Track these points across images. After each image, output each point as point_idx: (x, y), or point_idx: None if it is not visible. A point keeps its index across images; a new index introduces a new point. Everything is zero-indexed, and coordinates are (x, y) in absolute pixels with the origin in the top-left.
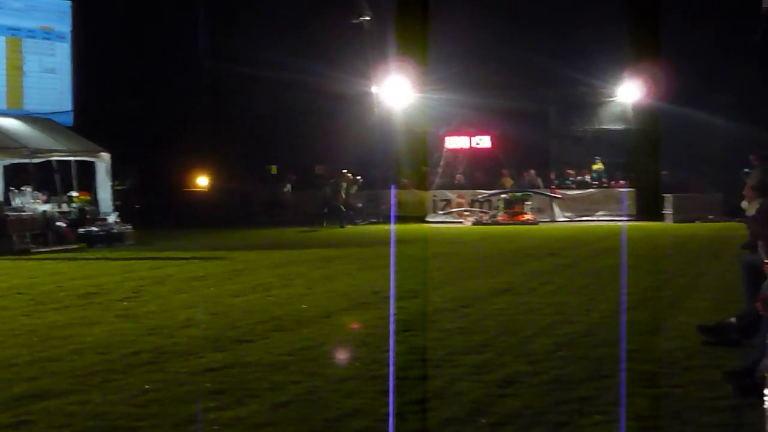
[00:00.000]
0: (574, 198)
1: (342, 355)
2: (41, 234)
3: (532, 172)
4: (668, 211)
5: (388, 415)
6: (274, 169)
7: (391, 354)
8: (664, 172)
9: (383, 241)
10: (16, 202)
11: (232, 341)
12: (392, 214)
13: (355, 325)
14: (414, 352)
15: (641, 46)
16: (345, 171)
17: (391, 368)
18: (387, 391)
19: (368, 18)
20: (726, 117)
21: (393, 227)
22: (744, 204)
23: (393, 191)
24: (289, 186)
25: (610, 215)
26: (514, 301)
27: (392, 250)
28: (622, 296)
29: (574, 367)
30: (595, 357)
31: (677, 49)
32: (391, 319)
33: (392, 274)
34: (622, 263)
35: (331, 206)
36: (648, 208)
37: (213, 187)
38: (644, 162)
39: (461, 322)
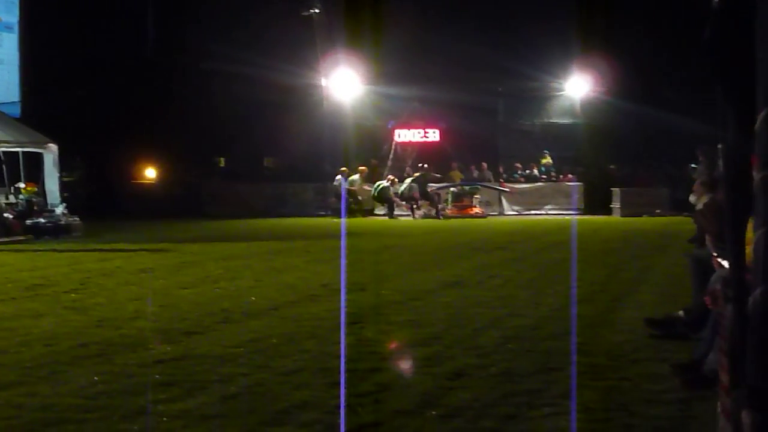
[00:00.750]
0: (522, 192)
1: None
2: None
3: (484, 165)
4: (616, 205)
5: (337, 407)
6: (222, 162)
7: (342, 346)
8: (612, 167)
9: (332, 234)
10: None
11: (180, 333)
12: (342, 207)
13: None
14: (363, 344)
15: (589, 41)
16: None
17: (342, 360)
18: (336, 384)
19: (318, 10)
20: (673, 112)
21: (343, 220)
22: (692, 198)
23: (343, 184)
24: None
25: (559, 209)
26: (463, 294)
27: (342, 242)
28: (571, 290)
29: (522, 359)
30: (543, 350)
31: (625, 44)
32: (342, 311)
33: (342, 267)
34: (571, 257)
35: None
36: (596, 203)
37: (161, 179)
38: (592, 156)
39: (410, 315)
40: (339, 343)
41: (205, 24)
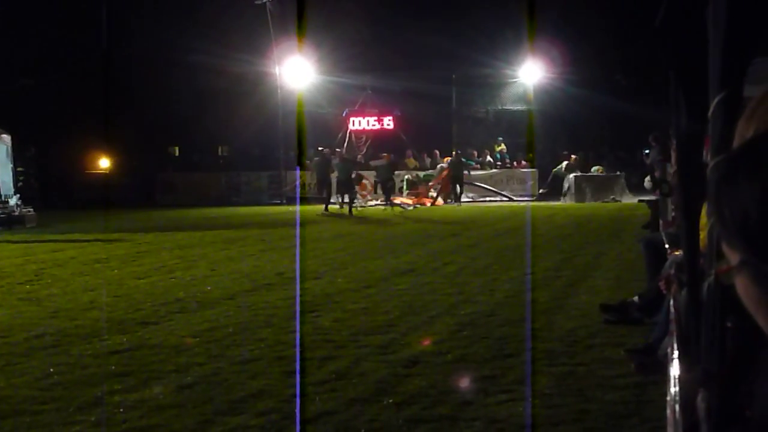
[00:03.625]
0: (477, 178)
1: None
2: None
3: (436, 152)
4: (570, 191)
5: (293, 396)
6: (176, 151)
7: (297, 335)
8: (565, 152)
9: (286, 223)
10: None
11: (135, 323)
12: (297, 195)
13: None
14: (318, 332)
15: (542, 27)
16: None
17: (297, 349)
18: (292, 372)
19: None
20: (625, 98)
21: (297, 208)
22: (647, 184)
23: (297, 172)
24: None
25: (513, 195)
26: (418, 281)
27: (297, 231)
28: (525, 276)
29: (477, 346)
30: (498, 336)
31: (578, 30)
32: (297, 300)
33: (297, 256)
34: (525, 243)
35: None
36: (549, 189)
37: (114, 168)
38: (545, 143)
39: (365, 302)
40: (294, 331)
41: (158, 13)
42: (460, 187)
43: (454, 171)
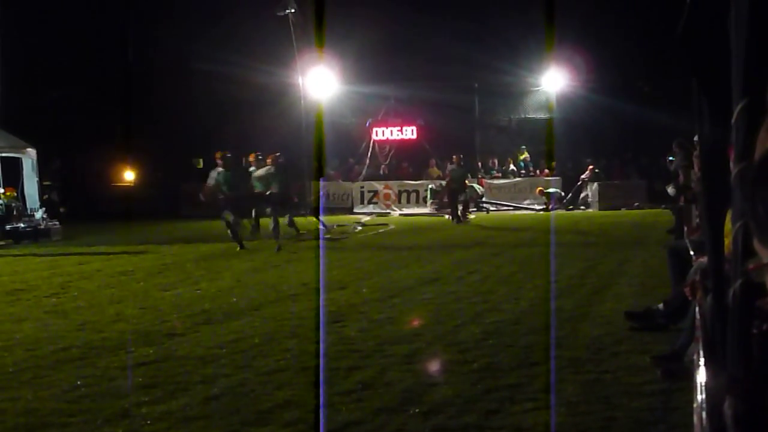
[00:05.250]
0: (500, 187)
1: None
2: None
3: (455, 158)
4: (593, 198)
5: (319, 406)
6: (200, 163)
7: (323, 345)
8: (588, 160)
9: (313, 234)
10: None
11: (161, 335)
12: (321, 205)
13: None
14: (344, 342)
15: (565, 35)
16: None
17: (323, 359)
18: (318, 383)
19: (293, 10)
20: (648, 104)
21: (321, 219)
22: (670, 191)
23: (322, 183)
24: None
25: (536, 204)
26: (442, 290)
27: (321, 242)
28: (550, 284)
29: (503, 355)
30: (523, 345)
31: (600, 38)
32: (322, 310)
33: (322, 266)
34: (549, 251)
35: None
36: (573, 196)
37: (139, 181)
38: (568, 151)
39: (390, 312)
40: (320, 341)
41: (182, 24)
42: (464, 201)
43: (454, 182)
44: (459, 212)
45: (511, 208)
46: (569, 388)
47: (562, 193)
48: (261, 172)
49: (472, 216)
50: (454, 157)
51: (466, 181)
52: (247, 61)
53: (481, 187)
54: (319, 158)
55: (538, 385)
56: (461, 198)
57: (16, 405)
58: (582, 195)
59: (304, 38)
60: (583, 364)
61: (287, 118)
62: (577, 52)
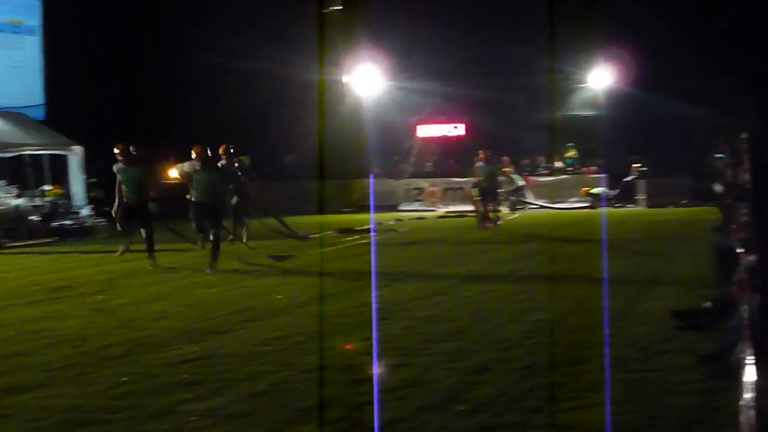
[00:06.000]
0: (546, 185)
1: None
2: (14, 228)
3: (506, 159)
4: (640, 196)
5: (363, 403)
6: (246, 160)
7: (375, 342)
8: (634, 158)
9: (359, 231)
10: None
11: (206, 332)
12: (371, 203)
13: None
14: (388, 340)
15: (610, 32)
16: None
17: (375, 356)
18: (362, 380)
19: (339, 7)
20: (694, 102)
21: (372, 216)
22: (717, 188)
23: (371, 180)
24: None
25: (582, 201)
26: (486, 288)
27: (372, 238)
28: (595, 282)
29: (547, 353)
30: (568, 343)
31: (646, 34)
32: (374, 307)
33: (373, 263)
34: (595, 249)
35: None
36: (620, 194)
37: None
38: (615, 148)
39: (434, 310)
40: (364, 339)
41: (225, 21)
42: (494, 202)
43: (485, 181)
44: (487, 214)
45: (554, 208)
46: (614, 387)
47: (609, 191)
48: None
49: (506, 213)
50: (480, 152)
51: (504, 177)
52: (293, 59)
53: (521, 179)
54: (365, 156)
55: (582, 383)
56: (491, 199)
57: (62, 401)
58: (628, 193)
59: (350, 35)
60: (629, 363)
61: (333, 115)
62: (623, 49)
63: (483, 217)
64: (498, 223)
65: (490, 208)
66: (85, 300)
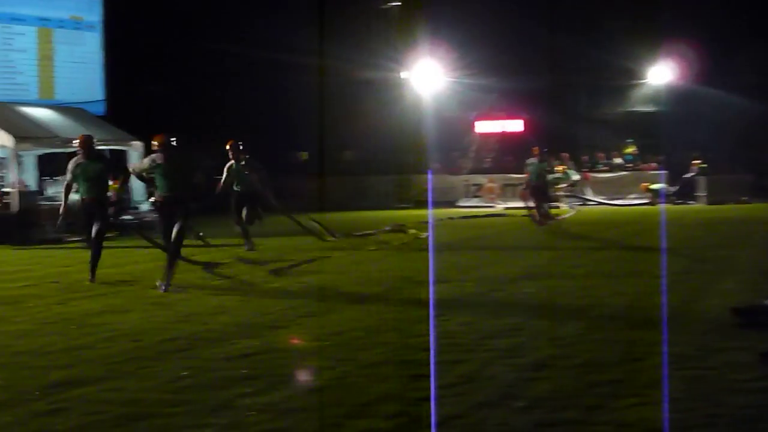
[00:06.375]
0: (605, 181)
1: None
2: (74, 223)
3: (565, 155)
4: (701, 193)
5: (421, 399)
6: (305, 156)
7: (426, 338)
8: (695, 154)
9: (416, 226)
10: (50, 191)
11: (264, 327)
12: (429, 199)
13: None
14: (445, 336)
15: (671, 27)
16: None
17: (432, 352)
18: (420, 376)
19: (397, 2)
20: (757, 97)
21: (430, 212)
22: None
23: (430, 176)
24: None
25: (642, 198)
26: (545, 284)
27: (430, 234)
28: (654, 279)
29: (606, 350)
30: (627, 340)
31: (707, 30)
32: (431, 303)
33: (431, 259)
34: (654, 246)
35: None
36: (680, 191)
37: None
38: (675, 144)
39: (492, 306)
40: (422, 335)
41: (285, 17)
42: (545, 200)
43: (534, 179)
44: (541, 212)
45: (613, 204)
46: (673, 384)
47: (669, 188)
48: None
49: (565, 209)
50: (533, 148)
51: (556, 174)
52: (351, 54)
53: (576, 175)
54: (423, 152)
55: (641, 380)
56: (543, 197)
57: (121, 395)
58: (688, 189)
59: (408, 31)
60: (688, 360)
61: (391, 111)
62: (684, 44)
63: (541, 215)
64: (553, 220)
65: (543, 205)
66: (146, 294)
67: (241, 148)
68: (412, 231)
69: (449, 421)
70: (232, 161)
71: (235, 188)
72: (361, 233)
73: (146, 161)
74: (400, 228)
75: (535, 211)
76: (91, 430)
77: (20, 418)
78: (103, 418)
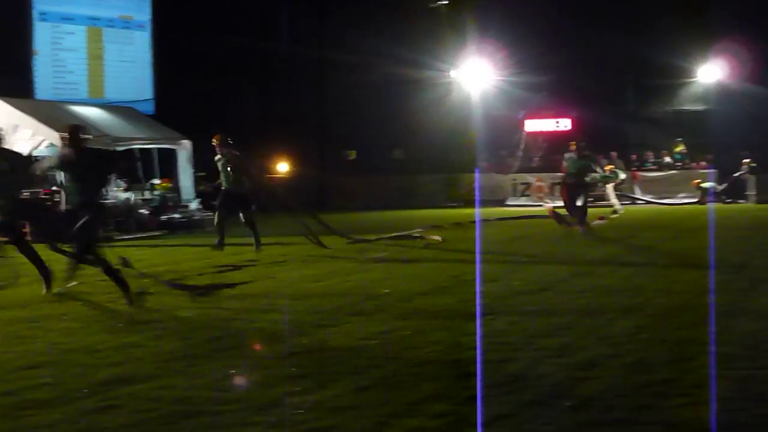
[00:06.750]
0: (654, 180)
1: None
2: (124, 221)
3: (614, 154)
4: (750, 192)
5: (469, 398)
6: (353, 154)
7: (474, 337)
8: (745, 153)
9: (463, 225)
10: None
11: (313, 326)
12: (477, 197)
13: None
14: (494, 335)
15: (721, 25)
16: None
17: (479, 351)
18: (468, 375)
19: (446, 1)
20: None
21: (477, 211)
22: None
23: (477, 175)
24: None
25: (691, 197)
26: (594, 283)
27: (477, 233)
28: (704, 278)
29: (656, 349)
30: (677, 339)
31: (758, 28)
32: (477, 302)
33: (477, 258)
34: (704, 245)
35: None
36: (729, 189)
37: (292, 173)
38: (725, 143)
39: (541, 304)
40: (470, 334)
41: (334, 16)
42: (584, 199)
43: (569, 176)
44: (577, 215)
45: (662, 203)
46: (723, 384)
47: (719, 187)
48: None
49: (616, 207)
50: (571, 143)
51: (604, 173)
52: (400, 53)
53: (623, 173)
54: (472, 151)
55: (691, 380)
56: (580, 197)
57: (171, 393)
58: (737, 188)
59: (457, 29)
60: (738, 360)
61: (440, 110)
62: (733, 42)
63: (572, 216)
64: (580, 225)
65: (579, 207)
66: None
67: (230, 142)
68: (434, 237)
69: (497, 420)
70: (219, 156)
71: (223, 186)
72: (365, 238)
73: (47, 161)
74: (418, 234)
75: (566, 214)
76: (140, 427)
77: (70, 416)
78: (153, 416)
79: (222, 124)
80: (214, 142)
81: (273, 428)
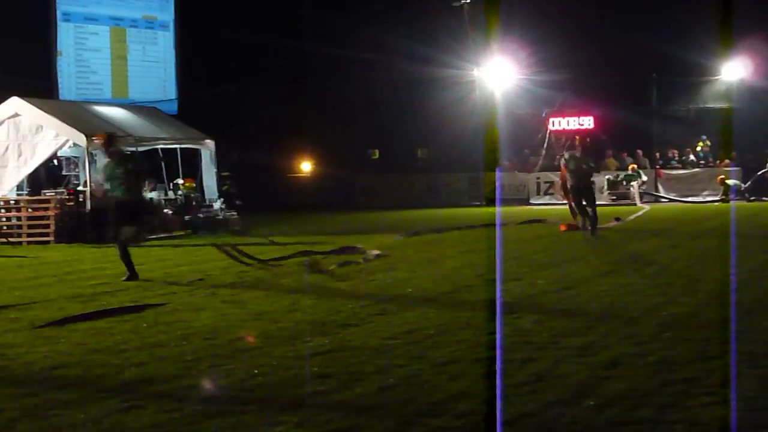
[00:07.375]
0: (677, 178)
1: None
2: (148, 221)
3: (639, 152)
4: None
5: (493, 397)
6: (376, 154)
7: (498, 337)
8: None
9: (486, 224)
10: None
11: (336, 325)
12: (497, 196)
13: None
14: (518, 334)
15: (745, 23)
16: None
17: (498, 351)
18: (492, 374)
19: (468, 1)
20: None
21: (498, 209)
22: None
23: (498, 174)
24: None
25: (714, 195)
26: (618, 282)
27: (498, 232)
28: (728, 277)
29: (680, 348)
30: (700, 338)
31: None
32: (498, 301)
33: (498, 257)
34: (727, 243)
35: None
36: (753, 188)
37: (315, 172)
38: (749, 141)
39: (565, 304)
40: (494, 333)
41: (357, 15)
42: (589, 201)
43: (572, 176)
44: (582, 219)
45: (685, 201)
46: (747, 383)
47: (742, 185)
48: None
49: (640, 206)
50: (576, 138)
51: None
52: (422, 52)
53: (645, 174)
54: (494, 149)
55: (715, 379)
56: (584, 199)
57: (194, 392)
58: (762, 186)
59: (480, 29)
60: (762, 359)
61: (463, 109)
62: (757, 40)
63: (581, 223)
64: (584, 230)
65: (586, 209)
66: (218, 292)
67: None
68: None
69: (521, 419)
70: (108, 159)
71: (112, 194)
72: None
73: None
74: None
75: (579, 218)
76: (164, 428)
77: (94, 416)
78: (177, 416)
79: (244, 124)
80: (98, 141)
81: (297, 428)
